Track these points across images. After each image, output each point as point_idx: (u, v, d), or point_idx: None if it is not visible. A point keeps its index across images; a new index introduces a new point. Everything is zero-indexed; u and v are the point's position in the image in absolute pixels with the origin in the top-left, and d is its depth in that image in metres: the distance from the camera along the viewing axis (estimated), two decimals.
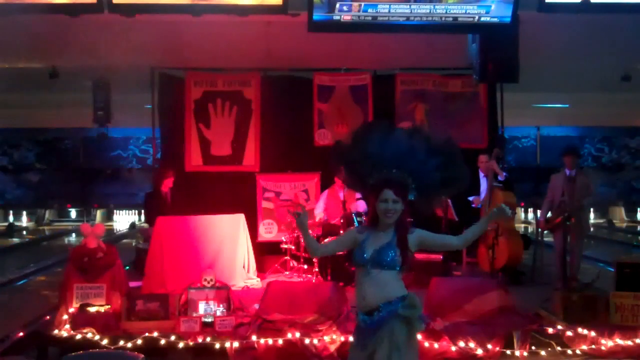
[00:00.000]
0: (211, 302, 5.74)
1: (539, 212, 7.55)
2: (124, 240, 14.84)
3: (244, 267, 7.77)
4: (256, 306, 5.93)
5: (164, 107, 9.48)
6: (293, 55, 8.91)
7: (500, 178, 7.64)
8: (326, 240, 7.48)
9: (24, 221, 19.54)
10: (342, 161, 3.48)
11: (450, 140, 3.46)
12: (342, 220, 7.66)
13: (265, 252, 8.73)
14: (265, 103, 9.37)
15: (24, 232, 17.88)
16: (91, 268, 5.91)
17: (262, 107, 9.37)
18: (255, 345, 5.22)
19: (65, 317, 5.57)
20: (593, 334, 5.26)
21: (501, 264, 7.33)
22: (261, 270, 8.20)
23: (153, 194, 8.59)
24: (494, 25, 6.61)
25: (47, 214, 19.68)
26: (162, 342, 5.26)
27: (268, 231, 9.11)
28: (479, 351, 5.14)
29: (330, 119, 9.40)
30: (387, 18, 6.49)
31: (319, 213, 8.27)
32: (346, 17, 6.46)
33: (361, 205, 7.98)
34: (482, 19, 6.56)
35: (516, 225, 8.10)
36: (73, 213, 20.05)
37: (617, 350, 5.19)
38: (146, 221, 9.27)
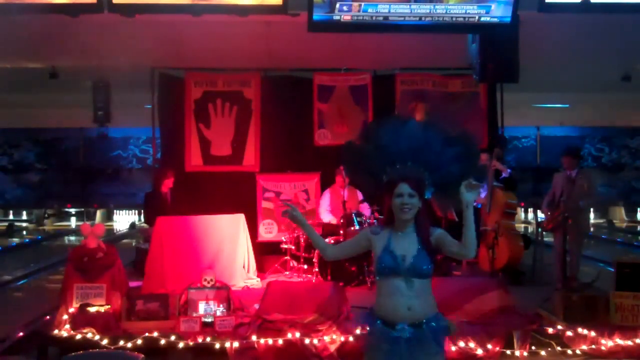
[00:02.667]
0: (211, 302, 5.74)
1: (539, 212, 7.55)
2: (124, 240, 14.85)
3: (244, 267, 7.76)
4: (256, 306, 5.92)
5: (164, 107, 9.48)
6: (293, 55, 8.91)
7: (504, 174, 7.63)
8: (326, 240, 7.46)
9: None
10: (355, 160, 3.30)
11: (467, 132, 3.30)
12: (342, 220, 7.66)
13: (265, 252, 8.72)
14: (265, 103, 9.37)
15: (24, 232, 17.88)
16: (91, 268, 5.90)
17: (262, 107, 9.37)
18: (255, 345, 5.22)
19: (65, 317, 5.57)
20: (593, 334, 5.26)
21: (501, 264, 7.34)
22: (261, 270, 8.20)
23: (153, 194, 8.59)
24: (494, 25, 6.61)
25: (47, 214, 19.69)
26: (162, 342, 5.26)
27: (268, 231, 9.11)
28: (479, 351, 5.14)
29: (330, 119, 9.41)
30: (387, 18, 6.48)
31: (325, 214, 8.24)
32: (346, 17, 6.46)
33: (365, 208, 7.97)
34: (482, 19, 6.55)
35: (516, 225, 8.08)
36: (72, 213, 20.07)
37: (617, 350, 5.19)
38: (145, 221, 9.27)
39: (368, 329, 3.16)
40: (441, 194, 3.17)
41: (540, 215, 7.37)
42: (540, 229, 8.02)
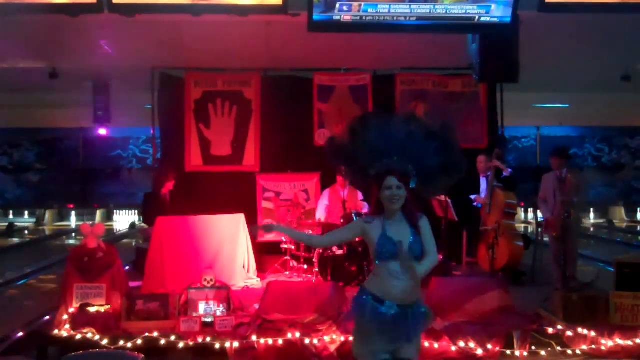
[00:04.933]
0: (211, 302, 5.74)
1: (539, 212, 7.55)
2: (124, 240, 14.85)
3: (244, 267, 7.77)
4: (256, 306, 5.93)
5: (164, 107, 9.49)
6: (293, 55, 8.92)
7: (505, 174, 7.63)
8: None
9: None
10: (340, 156, 3.48)
11: (446, 125, 3.47)
12: (342, 220, 7.66)
13: (265, 252, 8.72)
14: (265, 103, 9.38)
15: (26, 232, 17.87)
16: (91, 268, 5.90)
17: (262, 107, 9.38)
18: (255, 345, 5.22)
19: (65, 317, 5.57)
20: (593, 334, 5.26)
21: (501, 264, 7.33)
22: (261, 270, 8.20)
23: (152, 195, 8.58)
24: (494, 25, 6.61)
25: (47, 215, 19.67)
26: (162, 342, 5.26)
27: None
28: (479, 351, 5.13)
29: (330, 119, 9.41)
30: (387, 18, 6.48)
31: (321, 214, 8.27)
32: (346, 17, 6.45)
33: (365, 207, 7.98)
34: (482, 19, 6.55)
35: (516, 225, 8.09)
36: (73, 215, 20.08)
37: (617, 350, 5.18)
38: (144, 221, 9.27)
39: (357, 303, 3.31)
40: (424, 183, 3.35)
41: (541, 215, 7.37)
42: (540, 229, 8.01)
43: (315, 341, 5.20)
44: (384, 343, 3.22)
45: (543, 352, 5.23)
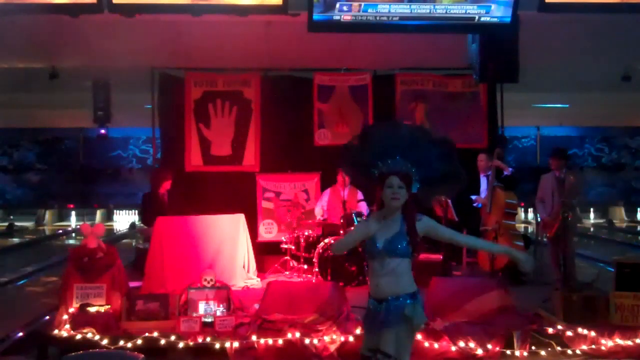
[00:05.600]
0: (211, 302, 5.74)
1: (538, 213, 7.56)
2: (124, 240, 14.85)
3: (244, 267, 7.77)
4: (256, 306, 5.93)
5: (164, 107, 9.48)
6: (293, 55, 8.91)
7: (506, 172, 7.63)
8: (326, 240, 7.51)
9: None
10: (352, 159, 3.62)
11: (448, 137, 3.66)
12: (342, 220, 7.67)
13: (265, 252, 8.73)
14: (265, 103, 9.38)
15: (26, 232, 17.88)
16: (91, 268, 5.90)
17: (262, 107, 9.38)
18: (255, 345, 5.22)
19: (65, 317, 5.57)
20: (593, 334, 5.26)
21: (501, 264, 7.33)
22: (261, 270, 8.21)
23: (150, 195, 8.57)
24: (494, 25, 6.60)
25: (47, 215, 19.67)
26: (162, 342, 5.26)
27: (268, 231, 9.12)
28: (479, 351, 5.13)
29: (330, 119, 9.41)
30: (387, 18, 6.48)
31: (319, 212, 8.29)
32: (346, 17, 6.45)
33: (363, 207, 7.99)
34: (482, 19, 6.55)
35: (516, 225, 8.09)
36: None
37: (617, 350, 5.18)
38: (142, 222, 9.27)
39: None
40: (426, 188, 3.46)
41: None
42: (540, 229, 8.01)
43: (315, 341, 5.20)
44: (369, 339, 3.42)
45: (543, 352, 5.22)
